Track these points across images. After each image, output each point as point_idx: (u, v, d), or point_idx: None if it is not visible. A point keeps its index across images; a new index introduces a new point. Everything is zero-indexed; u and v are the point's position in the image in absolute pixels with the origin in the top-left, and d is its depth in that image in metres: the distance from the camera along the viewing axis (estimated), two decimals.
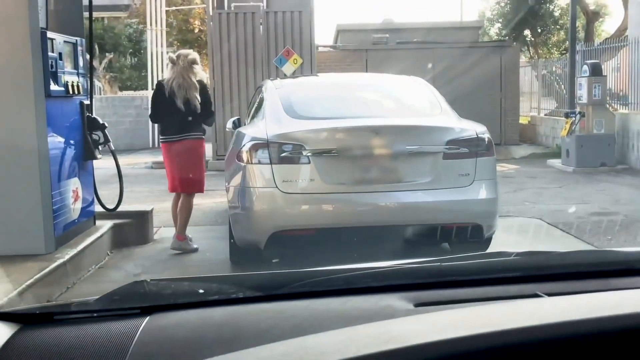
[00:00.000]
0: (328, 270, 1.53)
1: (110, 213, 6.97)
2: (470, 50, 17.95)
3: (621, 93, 16.35)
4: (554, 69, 20.09)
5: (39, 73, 5.55)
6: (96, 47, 23.31)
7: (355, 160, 5.64)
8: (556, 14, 26.24)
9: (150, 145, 19.80)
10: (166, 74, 7.19)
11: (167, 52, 19.18)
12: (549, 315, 1.08)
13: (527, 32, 26.61)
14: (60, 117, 6.01)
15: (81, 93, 6.38)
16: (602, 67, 14.48)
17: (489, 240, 5.89)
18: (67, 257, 5.63)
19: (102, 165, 7.54)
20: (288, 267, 2.66)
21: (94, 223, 6.80)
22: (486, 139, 5.84)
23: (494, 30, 30.74)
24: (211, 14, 15.33)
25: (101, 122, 6.70)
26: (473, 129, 5.89)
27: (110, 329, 1.29)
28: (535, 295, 1.37)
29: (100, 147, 6.69)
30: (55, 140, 5.87)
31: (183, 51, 7.18)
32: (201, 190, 7.08)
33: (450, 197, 5.67)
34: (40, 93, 5.57)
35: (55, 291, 5.25)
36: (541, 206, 9.28)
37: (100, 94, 24.25)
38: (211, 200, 9.37)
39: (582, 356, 1.03)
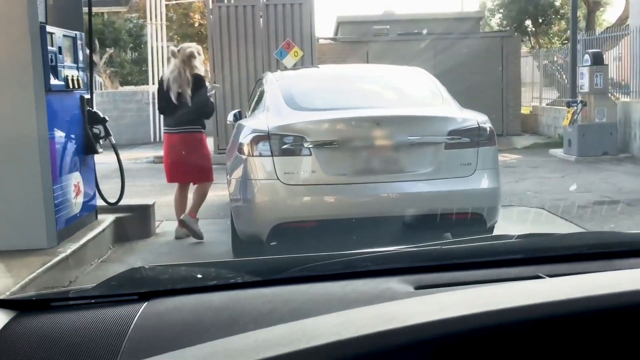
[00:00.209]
0: (327, 255, 1.52)
1: (112, 207, 6.96)
2: (471, 41, 17.91)
3: (623, 82, 16.30)
4: (555, 58, 20.04)
5: (38, 67, 5.54)
6: (96, 42, 23.33)
7: (357, 151, 5.63)
8: (557, 3, 26.15)
9: (152, 140, 19.78)
10: (167, 67, 7.29)
11: (168, 47, 19.19)
12: (551, 295, 1.07)
13: (528, 22, 26.53)
14: (60, 112, 5.99)
15: (81, 87, 6.36)
16: (604, 56, 14.44)
17: (491, 229, 5.87)
18: (69, 251, 5.63)
19: (104, 160, 7.54)
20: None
21: (96, 217, 6.80)
22: (488, 129, 5.82)
23: (495, 21, 30.65)
24: (211, 7, 15.29)
25: (102, 115, 6.71)
26: (474, 118, 5.87)
27: (107, 314, 1.28)
28: (537, 277, 1.36)
29: (101, 141, 6.70)
30: (56, 135, 5.86)
31: (184, 45, 7.28)
32: (210, 179, 7.21)
33: (452, 187, 5.65)
34: (40, 87, 5.55)
35: (57, 285, 5.24)
36: (544, 196, 9.26)
37: (101, 89, 24.26)
38: (213, 193, 9.31)
39: (584, 334, 1.02)
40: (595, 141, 13.13)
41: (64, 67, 5.97)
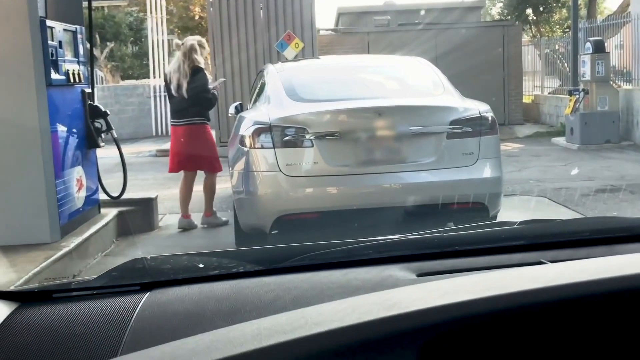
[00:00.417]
0: (329, 244, 1.52)
1: (115, 201, 6.97)
2: (472, 31, 17.85)
3: (625, 70, 16.26)
4: (556, 47, 19.98)
5: (39, 62, 5.53)
6: (97, 36, 23.30)
7: (359, 142, 5.61)
8: None
9: (154, 134, 19.76)
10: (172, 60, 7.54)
11: (169, 40, 19.17)
12: (553, 279, 1.07)
13: (529, 10, 26.44)
14: (62, 106, 5.99)
15: (82, 81, 6.36)
16: (605, 44, 14.39)
17: (494, 218, 5.85)
18: (72, 245, 5.64)
19: (106, 154, 7.55)
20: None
21: (99, 211, 6.81)
22: (490, 118, 5.81)
23: (495, 10, 30.55)
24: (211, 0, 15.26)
25: (103, 109, 6.71)
26: (476, 108, 5.85)
27: (109, 305, 1.28)
28: (539, 263, 1.36)
29: (102, 135, 6.70)
30: (58, 129, 5.85)
31: (188, 38, 7.37)
32: (218, 168, 7.33)
33: (454, 177, 5.64)
34: (41, 82, 5.55)
35: (60, 279, 5.25)
36: (546, 184, 9.25)
37: (102, 84, 24.22)
38: (216, 186, 9.34)
39: (586, 319, 1.02)
40: (598, 129, 13.10)
41: (64, 61, 5.96)
